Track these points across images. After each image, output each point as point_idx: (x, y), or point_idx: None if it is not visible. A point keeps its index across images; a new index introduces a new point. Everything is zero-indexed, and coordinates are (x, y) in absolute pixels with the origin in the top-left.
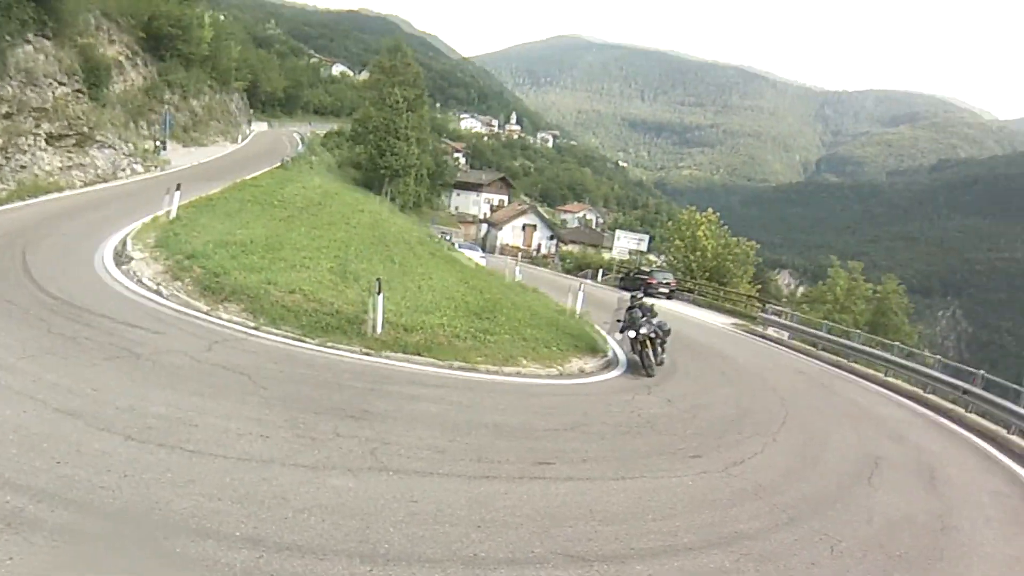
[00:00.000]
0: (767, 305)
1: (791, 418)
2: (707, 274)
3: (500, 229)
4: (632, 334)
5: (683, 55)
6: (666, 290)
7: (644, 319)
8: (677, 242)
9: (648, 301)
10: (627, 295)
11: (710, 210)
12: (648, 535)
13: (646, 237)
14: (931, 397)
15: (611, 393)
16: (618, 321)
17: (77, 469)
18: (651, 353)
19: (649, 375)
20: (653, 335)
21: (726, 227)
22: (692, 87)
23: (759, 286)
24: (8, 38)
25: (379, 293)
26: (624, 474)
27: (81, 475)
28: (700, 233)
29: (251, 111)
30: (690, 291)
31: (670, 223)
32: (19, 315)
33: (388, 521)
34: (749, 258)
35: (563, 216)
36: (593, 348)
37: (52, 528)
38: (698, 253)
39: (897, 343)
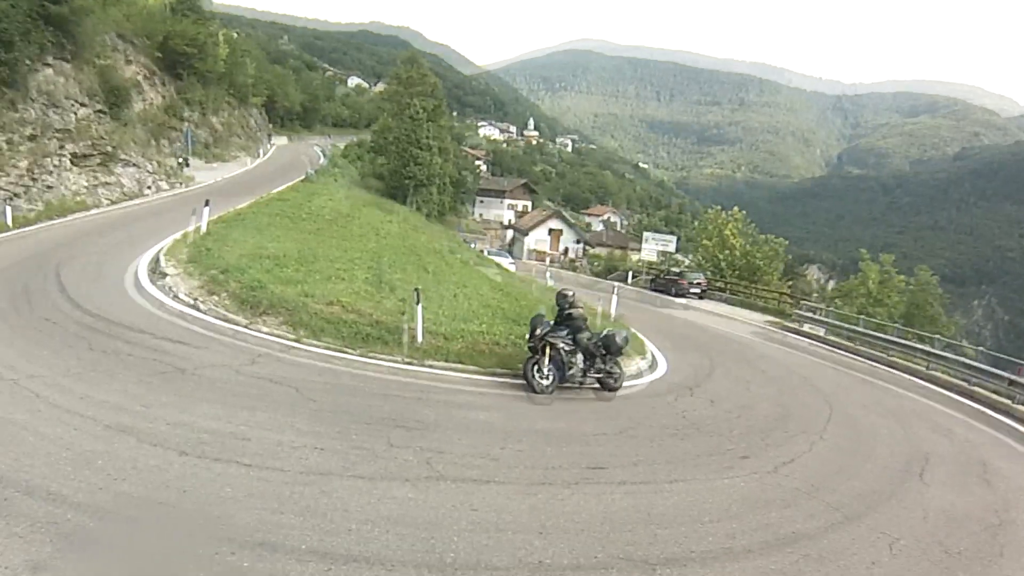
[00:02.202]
0: (802, 302)
1: (836, 415)
2: (737, 272)
3: (527, 235)
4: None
5: (696, 55)
6: (698, 290)
7: (551, 323)
8: (705, 242)
9: (577, 308)
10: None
11: (736, 208)
12: (706, 538)
13: (674, 238)
14: (976, 389)
15: (654, 396)
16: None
17: (135, 486)
18: (537, 366)
19: (536, 390)
20: (564, 345)
21: (753, 224)
22: (707, 87)
23: (790, 282)
24: (28, 62)
25: (418, 303)
26: (676, 477)
27: (140, 492)
28: (728, 232)
29: (270, 126)
30: (721, 290)
31: (696, 223)
32: (59, 334)
33: (451, 530)
34: (778, 255)
35: (588, 219)
36: (633, 351)
37: (116, 546)
38: (727, 252)
39: (936, 335)
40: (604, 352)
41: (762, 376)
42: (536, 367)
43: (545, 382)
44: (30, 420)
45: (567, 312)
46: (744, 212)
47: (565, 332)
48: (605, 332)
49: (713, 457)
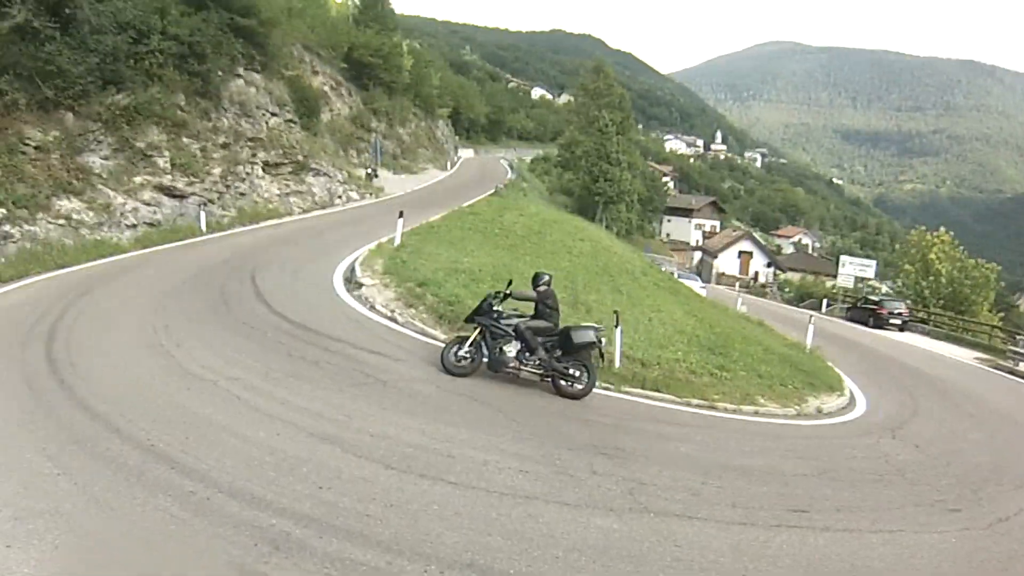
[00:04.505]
0: (1017, 337)
1: None
2: (941, 302)
3: (715, 257)
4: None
5: (897, 54)
6: (898, 321)
7: (491, 306)
8: (907, 267)
9: (530, 291)
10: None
11: (942, 229)
12: None
13: (873, 263)
14: None
15: (854, 436)
16: None
17: (340, 496)
18: (458, 346)
19: (446, 369)
20: (496, 329)
21: (960, 247)
22: (910, 89)
23: (1002, 314)
24: (220, 73)
25: (617, 326)
26: (882, 527)
27: (345, 502)
28: (932, 256)
29: (456, 138)
30: (924, 321)
31: (898, 246)
32: (259, 338)
33: (655, 566)
34: (989, 282)
35: (778, 241)
36: (830, 386)
37: (323, 555)
38: (931, 278)
39: None
40: (559, 350)
41: (971, 420)
42: (457, 347)
43: (458, 364)
44: (231, 422)
45: (506, 293)
46: (951, 233)
47: (506, 316)
48: (566, 327)
49: (920, 508)
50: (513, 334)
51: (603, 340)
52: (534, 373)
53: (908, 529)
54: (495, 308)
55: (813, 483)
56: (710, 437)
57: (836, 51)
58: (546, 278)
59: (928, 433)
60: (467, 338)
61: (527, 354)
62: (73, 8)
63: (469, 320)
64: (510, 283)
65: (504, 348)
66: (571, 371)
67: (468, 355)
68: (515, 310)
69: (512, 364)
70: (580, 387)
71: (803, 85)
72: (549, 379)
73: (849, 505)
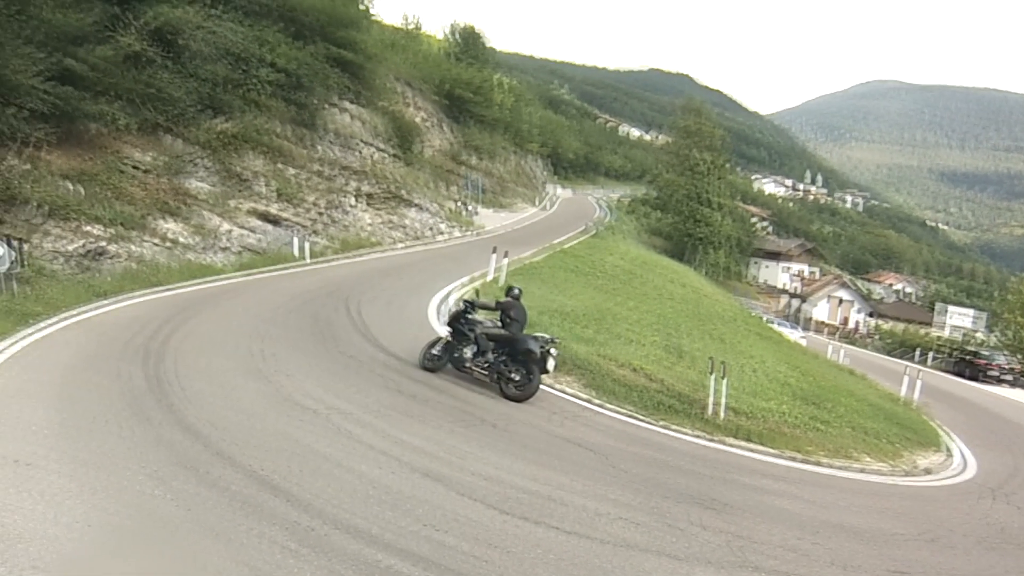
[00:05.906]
0: None
1: None
2: None
3: (811, 304)
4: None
5: (1002, 91)
6: (1009, 376)
7: (464, 312)
8: (1007, 315)
9: (501, 300)
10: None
11: None
12: None
13: (984, 315)
14: None
15: (959, 498)
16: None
17: (448, 535)
18: (434, 345)
19: (420, 364)
20: (462, 331)
21: None
22: (1016, 128)
23: None
24: (325, 105)
25: (724, 377)
26: None
27: (453, 542)
28: None
29: (554, 176)
30: None
31: (1010, 296)
32: (364, 372)
33: None
34: None
35: (875, 288)
36: (933, 444)
37: None
38: None
39: None
40: (507, 356)
41: None
42: (431, 346)
43: (430, 361)
44: (341, 456)
45: (470, 302)
46: None
47: (474, 323)
48: (519, 335)
49: None
50: (473, 339)
51: (552, 351)
52: (483, 373)
53: None
54: (468, 315)
55: (917, 546)
56: (811, 493)
57: (938, 89)
58: (515, 292)
59: None
60: (441, 339)
61: (479, 356)
62: (186, 38)
63: (448, 324)
64: (477, 293)
65: (464, 350)
66: (511, 374)
67: (438, 354)
68: (494, 320)
69: (468, 364)
70: (520, 390)
71: (904, 125)
72: (496, 381)
73: (954, 571)
